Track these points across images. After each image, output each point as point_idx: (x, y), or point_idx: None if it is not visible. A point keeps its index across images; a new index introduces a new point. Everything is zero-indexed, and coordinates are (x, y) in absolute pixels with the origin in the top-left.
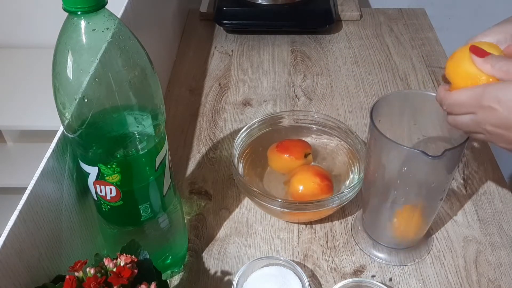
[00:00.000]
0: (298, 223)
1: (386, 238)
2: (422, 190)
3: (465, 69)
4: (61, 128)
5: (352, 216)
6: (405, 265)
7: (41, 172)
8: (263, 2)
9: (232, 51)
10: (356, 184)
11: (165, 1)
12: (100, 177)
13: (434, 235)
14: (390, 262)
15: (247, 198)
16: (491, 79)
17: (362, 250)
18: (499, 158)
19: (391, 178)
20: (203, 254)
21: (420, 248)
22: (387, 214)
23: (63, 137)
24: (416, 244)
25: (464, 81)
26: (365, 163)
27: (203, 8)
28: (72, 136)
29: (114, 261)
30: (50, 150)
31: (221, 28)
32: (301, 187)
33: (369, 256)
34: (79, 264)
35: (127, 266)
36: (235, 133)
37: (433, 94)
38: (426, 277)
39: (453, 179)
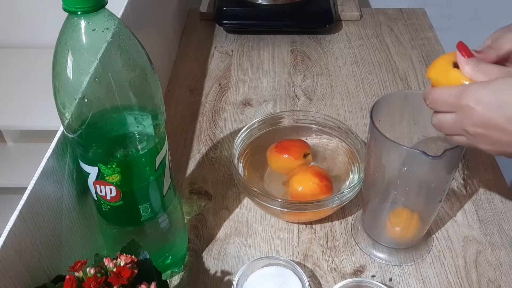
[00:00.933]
0: (298, 223)
1: (386, 238)
2: (422, 190)
3: (447, 69)
4: (61, 128)
5: (352, 216)
6: (405, 265)
7: (41, 172)
8: (263, 2)
9: (232, 51)
10: (356, 184)
11: (165, 1)
12: (100, 177)
13: (434, 235)
14: (390, 262)
15: (247, 198)
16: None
17: (362, 250)
18: (499, 158)
19: (391, 178)
20: (203, 254)
21: (420, 248)
22: (387, 214)
23: (63, 137)
24: (416, 244)
25: (445, 79)
26: (365, 163)
27: (203, 8)
28: (72, 136)
29: (114, 261)
30: (50, 150)
31: (221, 28)
32: (300, 188)
33: (369, 256)
34: (79, 264)
35: (127, 266)
36: (235, 133)
37: None
38: (426, 277)
39: (453, 179)
